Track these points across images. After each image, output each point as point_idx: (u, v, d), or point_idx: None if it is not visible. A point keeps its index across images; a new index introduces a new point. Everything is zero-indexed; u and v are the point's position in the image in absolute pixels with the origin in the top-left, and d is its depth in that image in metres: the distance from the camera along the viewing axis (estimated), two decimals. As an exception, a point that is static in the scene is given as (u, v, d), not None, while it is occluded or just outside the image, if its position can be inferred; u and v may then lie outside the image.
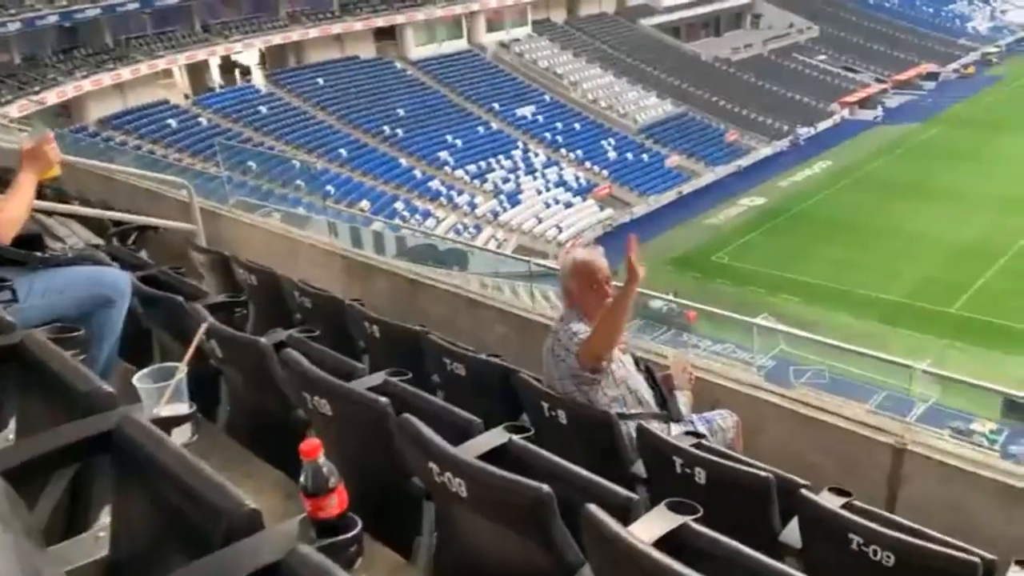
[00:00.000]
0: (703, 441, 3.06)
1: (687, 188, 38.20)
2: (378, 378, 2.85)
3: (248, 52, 39.05)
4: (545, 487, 1.83)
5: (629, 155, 39.66)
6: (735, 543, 1.85)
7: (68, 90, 29.67)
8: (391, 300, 5.66)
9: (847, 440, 3.56)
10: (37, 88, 28.86)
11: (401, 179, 34.00)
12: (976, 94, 50.04)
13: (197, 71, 37.56)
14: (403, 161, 35.15)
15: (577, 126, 40.89)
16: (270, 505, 2.31)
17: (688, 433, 3.15)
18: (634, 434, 3.04)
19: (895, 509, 3.31)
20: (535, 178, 36.59)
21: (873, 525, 2.27)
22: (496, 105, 40.30)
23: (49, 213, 5.23)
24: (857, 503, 2.59)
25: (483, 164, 36.22)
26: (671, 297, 12.88)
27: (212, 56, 36.89)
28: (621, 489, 2.14)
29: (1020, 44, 61.76)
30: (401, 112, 37.66)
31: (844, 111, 47.76)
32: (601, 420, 3.07)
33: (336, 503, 1.35)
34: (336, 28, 39.46)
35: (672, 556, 1.64)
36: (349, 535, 1.33)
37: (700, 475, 2.61)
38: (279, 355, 2.71)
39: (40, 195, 5.55)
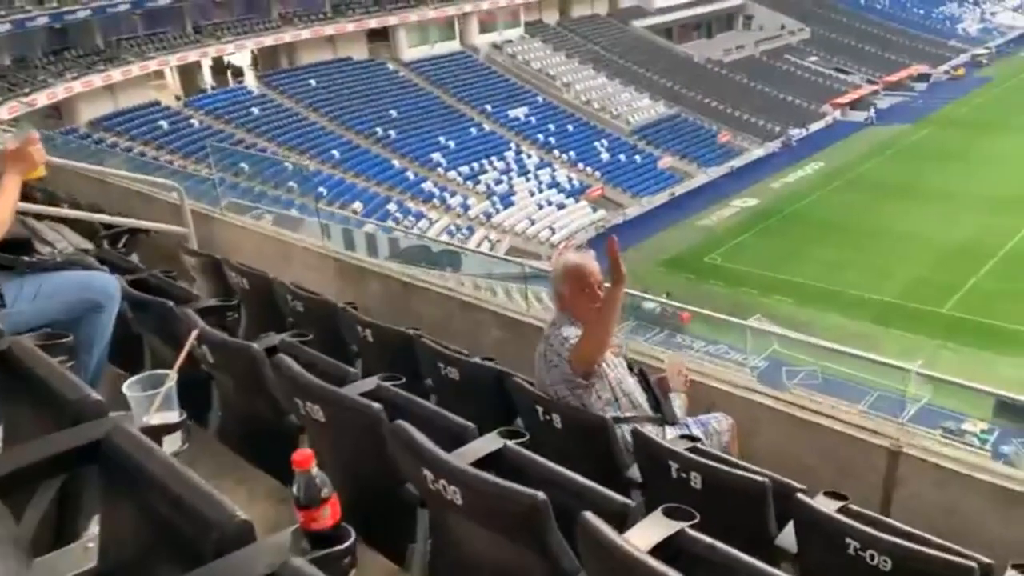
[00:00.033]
0: (698, 444, 3.05)
1: (680, 189, 38.25)
2: (371, 383, 2.83)
3: (240, 53, 38.95)
4: (541, 495, 1.81)
5: (622, 156, 39.69)
6: (732, 549, 1.84)
7: (58, 92, 29.50)
8: (384, 303, 5.64)
9: (843, 443, 3.56)
10: (27, 90, 28.69)
11: (394, 180, 33.94)
12: (966, 95, 50.29)
13: (189, 72, 37.44)
14: (396, 162, 35.09)
15: (570, 127, 40.91)
16: (262, 512, 2.29)
17: (683, 436, 3.14)
18: (629, 438, 3.03)
19: (890, 512, 3.31)
20: (528, 179, 36.58)
21: (869, 529, 2.26)
22: (489, 106, 40.28)
23: (39, 217, 5.19)
24: (853, 507, 2.58)
25: (476, 165, 36.20)
26: (664, 299, 12.90)
27: (204, 57, 36.73)
28: (617, 495, 2.13)
29: (1010, 46, 62.12)
30: (394, 113, 37.60)
31: (836, 112, 47.95)
32: (596, 424, 3.05)
33: (329, 514, 1.33)
34: (328, 29, 39.37)
35: (669, 563, 1.62)
36: (343, 546, 1.31)
37: (696, 479, 2.60)
38: (271, 360, 2.69)
39: (30, 198, 5.51)
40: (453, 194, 34.33)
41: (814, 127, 45.92)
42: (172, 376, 2.06)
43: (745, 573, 1.81)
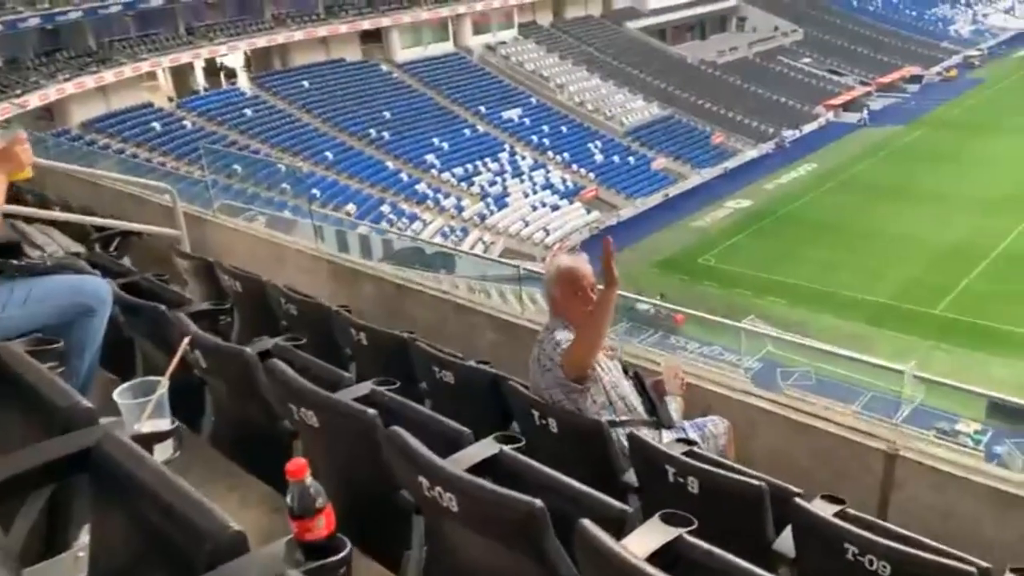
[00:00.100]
0: (695, 448, 3.03)
1: (673, 190, 38.32)
2: (365, 388, 2.81)
3: (233, 55, 38.86)
4: (538, 502, 1.79)
5: (616, 158, 39.76)
6: (729, 556, 1.83)
7: (50, 93, 29.38)
8: (378, 305, 5.62)
9: (839, 445, 3.55)
10: (19, 91, 28.56)
11: (387, 182, 33.90)
12: (959, 97, 50.55)
13: (181, 74, 37.33)
14: (389, 164, 35.06)
15: (564, 129, 40.95)
16: (255, 519, 2.27)
17: (680, 440, 3.12)
18: (625, 442, 3.01)
19: (887, 515, 3.31)
20: (522, 181, 36.60)
21: (868, 534, 2.24)
22: (483, 108, 40.29)
23: (29, 220, 5.15)
24: (851, 511, 2.57)
25: (470, 167, 36.19)
26: (658, 300, 12.91)
27: (196, 59, 36.65)
28: (614, 501, 2.11)
29: (1002, 47, 62.43)
30: (387, 115, 37.57)
31: (829, 114, 48.12)
32: (592, 428, 3.03)
33: (324, 524, 1.31)
34: (321, 30, 39.32)
35: (667, 570, 1.61)
36: (337, 557, 1.28)
37: (693, 484, 2.59)
38: (264, 365, 2.66)
39: (21, 201, 5.47)
40: (447, 195, 34.31)
41: (807, 128, 46.07)
42: (163, 383, 2.04)
43: (744, 580, 1.79)
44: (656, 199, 37.34)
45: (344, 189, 32.18)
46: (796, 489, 2.63)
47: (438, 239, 29.62)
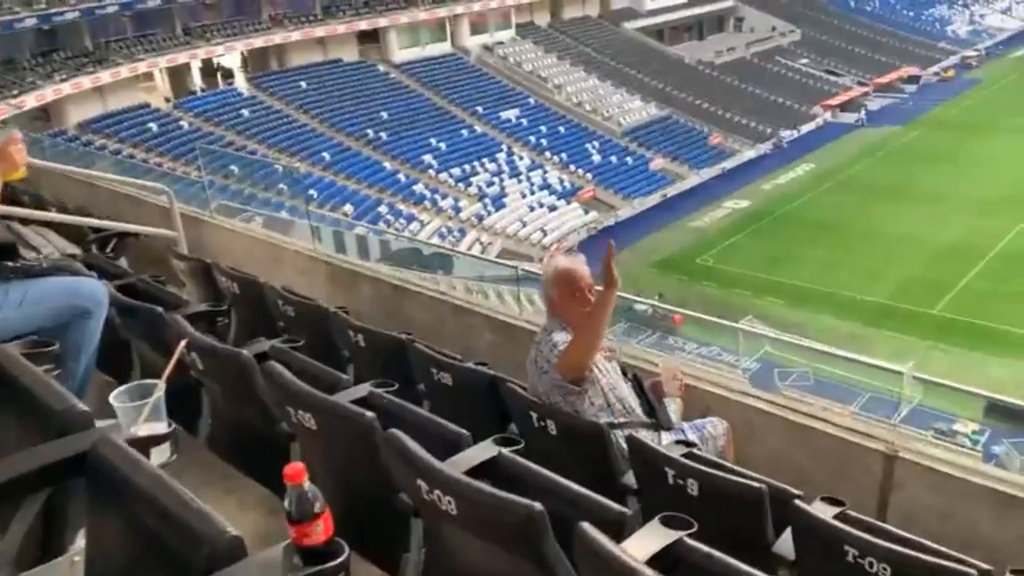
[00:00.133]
0: (694, 450, 3.02)
1: (671, 191, 38.33)
2: (363, 390, 2.80)
3: (230, 55, 38.81)
4: (537, 505, 1.78)
5: (613, 158, 39.75)
6: (729, 559, 1.82)
7: (47, 93, 29.33)
8: (376, 307, 5.60)
9: (838, 447, 3.55)
10: (15, 91, 28.50)
11: (385, 183, 33.87)
12: (956, 97, 50.60)
13: (178, 74, 37.27)
14: (387, 165, 35.03)
15: (561, 129, 40.94)
16: (252, 522, 2.25)
17: (679, 442, 3.11)
18: (624, 444, 3.00)
19: (886, 516, 3.30)
20: (519, 181, 36.58)
21: (868, 536, 2.24)
22: (480, 108, 40.27)
23: (24, 221, 5.13)
24: (851, 513, 2.56)
25: (467, 167, 36.17)
26: (656, 300, 12.91)
27: (193, 59, 36.58)
28: (614, 504, 2.10)
29: (999, 47, 62.53)
30: (385, 115, 37.54)
31: (826, 114, 48.15)
32: (591, 430, 3.02)
33: (322, 529, 1.29)
34: (318, 31, 39.28)
35: (667, 573, 1.61)
36: (336, 562, 1.27)
37: (692, 486, 2.58)
38: (261, 367, 2.65)
39: (17, 202, 5.46)
40: (444, 196, 34.29)
41: (805, 129, 46.10)
42: (160, 386, 2.02)
43: (744, 583, 1.78)
44: (654, 199, 37.34)
45: (341, 190, 32.14)
46: (796, 491, 2.63)
47: (436, 240, 29.61)
